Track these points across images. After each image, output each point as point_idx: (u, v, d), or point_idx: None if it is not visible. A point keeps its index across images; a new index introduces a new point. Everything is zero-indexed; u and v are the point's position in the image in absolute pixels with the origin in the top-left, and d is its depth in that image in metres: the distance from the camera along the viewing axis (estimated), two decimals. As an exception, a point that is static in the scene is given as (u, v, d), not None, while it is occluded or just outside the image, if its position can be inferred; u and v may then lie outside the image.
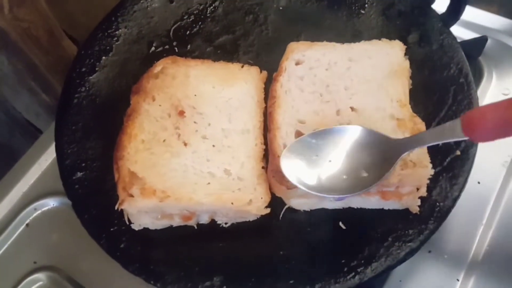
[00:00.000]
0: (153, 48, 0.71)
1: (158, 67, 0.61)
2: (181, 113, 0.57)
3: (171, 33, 0.72)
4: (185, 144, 0.55)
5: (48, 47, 0.89)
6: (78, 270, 0.65)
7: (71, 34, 0.95)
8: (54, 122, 0.68)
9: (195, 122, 0.56)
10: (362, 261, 0.51)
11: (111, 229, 0.55)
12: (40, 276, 0.64)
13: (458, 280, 0.57)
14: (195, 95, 0.58)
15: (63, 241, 0.67)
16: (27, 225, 0.68)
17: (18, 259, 0.66)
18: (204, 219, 0.54)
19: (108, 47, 0.69)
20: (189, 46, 0.71)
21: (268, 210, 0.51)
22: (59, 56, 0.92)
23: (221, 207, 0.51)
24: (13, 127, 0.95)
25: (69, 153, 0.61)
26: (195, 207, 0.51)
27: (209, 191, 0.51)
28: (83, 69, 0.67)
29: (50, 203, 0.69)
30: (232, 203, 0.50)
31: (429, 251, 0.59)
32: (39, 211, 0.69)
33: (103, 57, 0.69)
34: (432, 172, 0.52)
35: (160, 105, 0.57)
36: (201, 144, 0.55)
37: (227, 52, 0.69)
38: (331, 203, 0.55)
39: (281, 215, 0.54)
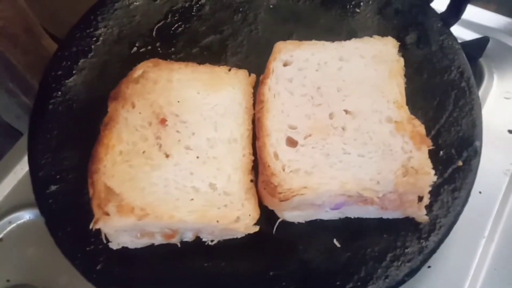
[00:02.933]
0: (135, 49, 0.66)
1: (138, 71, 0.57)
2: (163, 121, 0.53)
3: (154, 33, 0.68)
4: (167, 156, 0.50)
5: (27, 46, 0.83)
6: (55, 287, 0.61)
7: (53, 33, 0.89)
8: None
9: (177, 131, 0.52)
10: (358, 283, 0.47)
11: (87, 248, 0.51)
12: None
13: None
14: (178, 101, 0.54)
15: (39, 257, 0.63)
16: (0, 239, 0.64)
17: None
18: (188, 237, 0.50)
19: (86, 48, 0.65)
20: (173, 47, 0.67)
21: (256, 228, 0.48)
22: (39, 56, 0.87)
23: (206, 225, 0.47)
24: (-7, 130, 0.90)
25: (43, 164, 0.56)
26: (177, 225, 0.47)
27: (193, 208, 0.47)
28: (59, 72, 0.63)
29: (26, 216, 0.64)
30: (217, 221, 0.46)
31: (429, 266, 0.55)
32: (13, 225, 0.64)
33: (81, 59, 0.64)
34: (434, 178, 0.48)
35: (140, 113, 0.53)
36: (184, 156, 0.51)
37: (214, 54, 0.65)
38: (327, 213, 0.51)
39: (274, 230, 0.50)
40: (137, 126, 0.52)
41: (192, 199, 0.48)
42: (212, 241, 0.51)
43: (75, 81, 0.63)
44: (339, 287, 0.48)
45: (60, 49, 0.65)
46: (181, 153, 0.51)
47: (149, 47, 0.67)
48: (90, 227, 0.47)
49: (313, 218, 0.52)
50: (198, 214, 0.47)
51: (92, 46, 0.66)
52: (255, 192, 0.50)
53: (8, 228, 0.66)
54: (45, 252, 0.64)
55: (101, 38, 0.66)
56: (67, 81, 0.63)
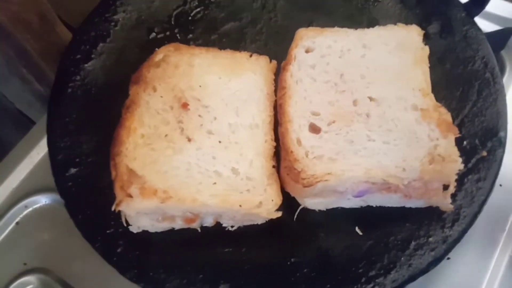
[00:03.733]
0: (153, 35, 0.66)
1: (159, 55, 0.56)
2: (185, 106, 0.52)
3: (172, 19, 0.67)
4: (189, 140, 0.50)
5: (41, 33, 0.83)
6: (70, 273, 0.61)
7: (66, 20, 0.89)
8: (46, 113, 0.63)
9: (199, 116, 0.52)
10: (381, 271, 0.47)
11: (107, 231, 0.51)
12: (30, 278, 0.59)
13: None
14: (200, 86, 0.54)
15: (55, 241, 0.63)
16: (17, 223, 0.63)
17: (7, 260, 0.61)
18: (209, 222, 0.50)
19: (105, 33, 0.65)
20: (192, 33, 0.66)
21: (279, 214, 0.47)
22: (53, 43, 0.86)
23: (228, 209, 0.47)
24: (4, 118, 0.90)
25: (62, 147, 0.56)
26: (199, 209, 0.47)
27: (215, 192, 0.47)
28: (78, 56, 0.62)
29: (42, 200, 0.64)
30: (240, 206, 0.46)
31: (448, 258, 0.54)
32: (30, 209, 0.64)
33: (100, 44, 0.64)
34: (461, 167, 0.48)
35: (161, 97, 0.53)
36: (206, 140, 0.50)
37: (233, 41, 0.65)
38: (349, 201, 0.51)
39: (295, 217, 0.50)
40: (158, 109, 0.52)
41: (214, 183, 0.47)
42: (232, 226, 0.50)
43: (94, 65, 0.63)
44: (361, 274, 0.48)
45: (79, 33, 0.64)
46: (203, 137, 0.51)
47: (167, 33, 0.66)
48: (112, 209, 0.47)
49: (335, 206, 0.51)
50: (221, 198, 0.46)
51: (111, 31, 0.65)
52: (277, 178, 0.50)
53: (24, 212, 0.65)
54: (60, 236, 0.63)
55: (119, 23, 0.66)
56: (85, 65, 0.62)
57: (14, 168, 0.68)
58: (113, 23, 0.66)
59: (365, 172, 0.47)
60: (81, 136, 0.57)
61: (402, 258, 0.48)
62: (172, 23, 0.68)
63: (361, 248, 0.49)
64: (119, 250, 0.50)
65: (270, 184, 0.48)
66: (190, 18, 0.68)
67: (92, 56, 0.63)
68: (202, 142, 0.50)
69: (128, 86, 0.58)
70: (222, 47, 0.63)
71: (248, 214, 0.47)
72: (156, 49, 0.61)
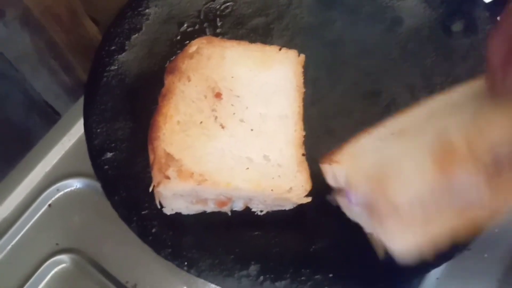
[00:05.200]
0: (183, 29, 0.68)
1: (193, 47, 0.59)
2: (218, 95, 0.55)
3: (202, 14, 0.69)
4: (222, 127, 0.52)
5: (70, 26, 0.86)
6: (100, 253, 0.63)
7: (92, 15, 0.92)
8: (73, 103, 0.65)
9: (232, 105, 0.54)
10: None
11: (142, 213, 0.53)
12: (63, 257, 0.62)
13: (498, 280, 0.55)
14: (232, 77, 0.56)
15: (85, 224, 0.65)
16: (49, 205, 0.66)
17: (40, 240, 0.64)
18: (239, 206, 0.52)
19: (138, 26, 0.67)
20: (220, 28, 0.68)
21: (309, 199, 0.49)
22: (81, 36, 0.90)
23: (260, 193, 0.49)
24: (31, 108, 0.93)
25: (98, 133, 0.58)
26: (232, 192, 0.49)
27: (248, 177, 0.49)
28: (113, 48, 0.65)
29: (73, 184, 0.66)
30: (271, 190, 0.48)
31: (468, 249, 0.55)
32: (61, 192, 0.66)
33: (133, 36, 0.66)
34: None
35: (196, 86, 0.55)
36: (239, 128, 0.53)
37: (260, 35, 0.67)
38: None
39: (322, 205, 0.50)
40: (193, 98, 0.54)
41: (247, 169, 0.50)
42: (261, 211, 0.52)
43: (127, 56, 0.65)
44: (386, 262, 0.46)
45: (113, 26, 0.66)
46: (236, 125, 0.53)
47: (197, 27, 0.69)
48: (150, 189, 0.49)
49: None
50: (253, 182, 0.48)
51: (143, 25, 0.68)
52: (306, 166, 0.52)
53: (56, 195, 0.67)
54: (91, 219, 0.66)
55: (151, 17, 0.68)
56: (119, 56, 0.65)
57: (47, 154, 0.71)
58: (145, 17, 0.68)
59: None
60: (116, 123, 0.60)
61: None
62: (201, 17, 0.70)
63: None
64: (153, 230, 0.52)
65: (300, 171, 0.51)
66: (218, 13, 0.70)
67: (126, 48, 0.65)
68: (234, 130, 0.53)
69: (159, 77, 0.60)
70: (249, 41, 0.66)
71: (278, 199, 0.49)
72: (187, 42, 0.65)
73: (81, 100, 0.74)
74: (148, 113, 0.58)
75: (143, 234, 0.52)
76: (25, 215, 0.66)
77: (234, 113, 0.54)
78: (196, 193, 0.49)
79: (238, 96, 0.55)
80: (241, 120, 0.53)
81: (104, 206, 0.64)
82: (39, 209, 0.67)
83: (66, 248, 0.64)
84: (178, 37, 0.67)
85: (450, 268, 0.57)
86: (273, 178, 0.49)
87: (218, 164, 0.50)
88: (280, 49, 0.60)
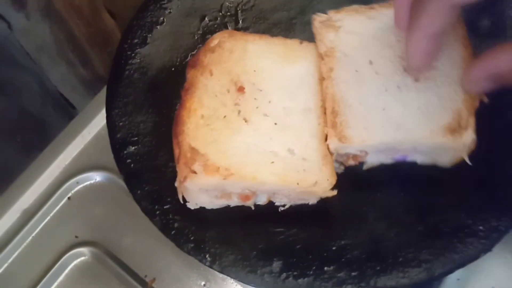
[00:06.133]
0: (205, 23, 0.67)
1: (214, 40, 0.58)
2: (241, 89, 0.54)
3: (223, 8, 0.68)
4: (246, 121, 0.52)
5: (89, 19, 0.87)
6: (119, 247, 0.63)
7: (110, 9, 0.92)
8: (89, 96, 0.65)
9: (255, 99, 0.53)
10: (431, 256, 0.47)
11: (165, 207, 0.52)
12: (83, 250, 0.62)
13: (522, 283, 0.56)
14: (254, 70, 0.55)
15: (104, 217, 0.64)
16: (68, 198, 0.66)
17: (60, 232, 0.64)
18: (262, 200, 0.51)
19: (160, 19, 0.66)
20: (242, 22, 0.67)
21: (334, 192, 0.48)
22: (99, 29, 0.90)
23: (285, 187, 0.48)
24: (46, 100, 0.94)
25: (120, 126, 0.58)
26: (258, 186, 0.48)
27: (274, 170, 0.48)
28: (135, 41, 0.64)
29: (93, 177, 0.67)
30: (297, 184, 0.47)
31: (490, 250, 0.55)
32: (81, 185, 0.67)
33: (155, 29, 0.65)
34: None
35: (218, 80, 0.54)
36: (263, 122, 0.52)
37: (282, 30, 0.66)
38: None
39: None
40: (216, 92, 0.53)
41: (272, 162, 0.49)
42: (283, 206, 0.51)
43: (149, 49, 0.64)
44: (411, 259, 0.47)
45: (136, 19, 0.65)
46: (260, 119, 0.52)
47: (218, 21, 0.67)
48: (176, 184, 0.49)
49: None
50: (279, 176, 0.48)
51: (165, 18, 0.67)
52: (331, 159, 0.51)
53: (76, 188, 0.67)
54: (110, 213, 0.66)
55: (173, 10, 0.67)
56: (141, 49, 0.64)
57: (67, 147, 0.71)
58: (167, 10, 0.67)
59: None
60: (138, 116, 0.59)
61: (453, 244, 0.48)
62: (223, 12, 0.69)
63: (412, 232, 0.49)
64: (176, 224, 0.51)
65: (325, 165, 0.50)
66: (240, 7, 0.69)
67: (148, 41, 0.64)
68: (258, 124, 0.52)
69: (181, 70, 0.59)
70: (272, 36, 0.66)
71: (303, 193, 0.49)
72: (208, 36, 0.64)
73: (100, 93, 0.75)
74: (170, 107, 0.57)
75: (166, 228, 0.51)
76: (45, 207, 0.67)
77: (257, 107, 0.53)
78: (222, 187, 0.49)
79: (261, 90, 0.54)
80: (265, 114, 0.53)
81: (123, 200, 0.64)
82: (58, 202, 0.67)
83: (86, 241, 0.64)
84: (200, 31, 0.66)
85: (471, 270, 0.57)
86: (298, 171, 0.48)
87: (244, 158, 0.49)
88: (301, 43, 0.59)
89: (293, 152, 0.51)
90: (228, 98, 0.53)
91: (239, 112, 0.52)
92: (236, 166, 0.48)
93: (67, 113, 0.96)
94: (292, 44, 0.59)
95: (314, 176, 0.49)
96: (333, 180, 0.49)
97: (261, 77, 0.56)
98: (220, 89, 0.54)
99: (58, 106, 0.97)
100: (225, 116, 0.52)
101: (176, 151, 0.50)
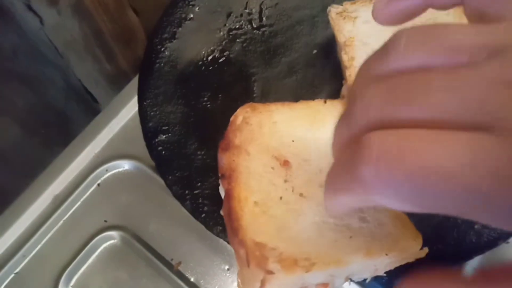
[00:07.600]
0: (231, 19, 0.55)
1: (239, 117, 0.41)
2: (286, 163, 0.43)
3: (248, 5, 0.56)
4: (304, 197, 0.41)
5: (115, 15, 0.84)
6: (147, 231, 0.52)
7: (133, 6, 0.96)
8: (113, 90, 0.63)
9: (304, 171, 0.43)
10: (451, 243, 0.43)
11: (194, 192, 0.42)
12: (112, 234, 0.51)
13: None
14: (293, 141, 0.46)
15: (132, 204, 0.50)
16: (98, 185, 0.55)
17: (90, 217, 0.51)
18: (340, 283, 0.40)
19: (189, 15, 0.54)
20: (266, 19, 0.55)
21: (426, 250, 0.37)
22: (124, 25, 0.88)
23: (374, 261, 0.37)
24: (70, 94, 0.97)
25: (151, 116, 0.47)
26: (343, 269, 0.37)
27: (356, 246, 0.37)
28: (165, 35, 0.51)
29: (122, 165, 0.54)
30: (386, 254, 0.37)
31: (507, 242, 0.46)
32: (110, 173, 0.56)
33: (183, 25, 0.52)
34: None
35: (259, 159, 0.43)
36: (321, 194, 0.37)
37: (305, 27, 0.56)
38: None
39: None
40: (261, 172, 0.42)
41: (350, 237, 0.38)
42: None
43: (178, 44, 0.50)
44: (430, 249, 0.46)
45: (165, 15, 0.53)
46: (317, 191, 0.41)
47: (243, 17, 0.56)
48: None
49: None
50: (364, 251, 0.36)
51: (193, 14, 0.53)
52: (405, 216, 0.40)
53: (105, 175, 0.55)
54: (137, 199, 0.59)
55: (201, 7, 0.55)
56: (170, 43, 0.51)
57: (96, 136, 0.66)
58: (196, 7, 0.55)
59: None
60: (168, 106, 0.46)
61: (471, 233, 0.41)
62: (248, 9, 0.66)
63: (429, 224, 0.42)
64: (206, 208, 0.41)
65: (403, 224, 0.39)
66: (264, 5, 0.55)
67: (177, 36, 0.51)
68: (318, 197, 0.40)
69: (208, 65, 0.47)
70: (295, 33, 0.55)
71: (393, 263, 0.38)
72: (233, 32, 0.55)
73: (127, 87, 0.77)
74: (198, 98, 0.46)
75: (196, 211, 0.41)
76: (75, 193, 0.61)
77: (309, 179, 0.41)
78: (302, 280, 0.37)
79: (306, 160, 0.43)
80: (320, 185, 0.41)
81: (150, 187, 0.61)
82: (88, 188, 0.61)
83: (114, 225, 0.58)
84: (226, 27, 0.57)
85: (487, 261, 0.58)
86: (381, 240, 0.38)
87: (318, 240, 0.38)
88: (325, 102, 0.60)
89: (366, 219, 0.40)
90: (276, 176, 0.42)
91: (292, 189, 0.41)
92: (314, 252, 0.36)
93: (89, 107, 0.98)
94: (317, 105, 0.50)
95: (398, 240, 0.38)
96: (419, 239, 0.38)
97: (302, 146, 0.45)
98: (264, 168, 0.42)
99: (81, 100, 0.98)
100: (281, 198, 0.40)
101: (241, 252, 0.37)
